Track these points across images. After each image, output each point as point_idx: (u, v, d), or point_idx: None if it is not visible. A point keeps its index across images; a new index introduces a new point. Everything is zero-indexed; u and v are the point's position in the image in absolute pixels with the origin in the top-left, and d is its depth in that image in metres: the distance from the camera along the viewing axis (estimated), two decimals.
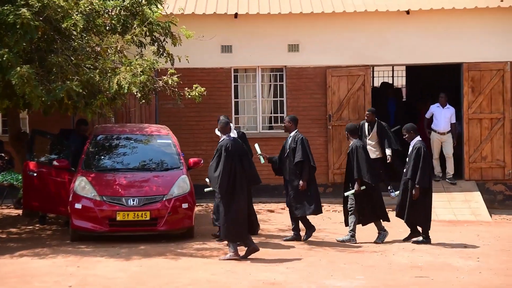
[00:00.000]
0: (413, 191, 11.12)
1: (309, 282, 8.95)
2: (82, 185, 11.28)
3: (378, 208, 11.50)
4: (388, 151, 13.89)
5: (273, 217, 13.39)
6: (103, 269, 9.53)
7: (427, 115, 15.10)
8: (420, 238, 11.30)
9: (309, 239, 11.50)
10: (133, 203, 11.15)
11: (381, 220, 11.51)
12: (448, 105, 14.81)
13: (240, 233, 10.14)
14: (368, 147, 13.36)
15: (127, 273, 9.36)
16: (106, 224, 11.10)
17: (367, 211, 11.41)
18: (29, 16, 10.07)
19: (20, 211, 13.64)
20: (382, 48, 15.10)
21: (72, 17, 10.67)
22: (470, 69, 14.98)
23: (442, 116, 14.77)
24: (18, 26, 10.12)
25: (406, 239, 11.42)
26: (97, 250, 10.56)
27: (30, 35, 10.19)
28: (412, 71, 19.04)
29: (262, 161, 11.61)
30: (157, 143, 12.26)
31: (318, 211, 11.43)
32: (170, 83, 11.87)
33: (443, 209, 13.97)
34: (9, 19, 10.14)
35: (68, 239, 11.38)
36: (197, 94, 12.21)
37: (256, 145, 11.67)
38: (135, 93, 11.31)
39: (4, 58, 10.05)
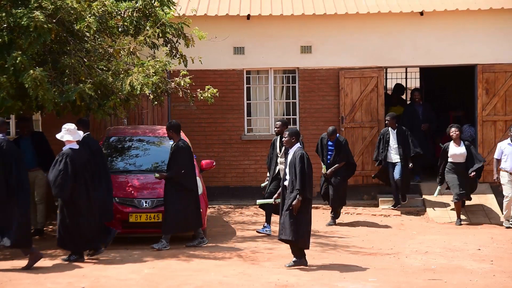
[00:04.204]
0: (294, 201, 9.44)
1: (321, 284, 8.92)
2: None
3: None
4: None
5: None
6: (116, 271, 9.55)
7: (497, 156, 13.07)
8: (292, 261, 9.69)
9: (320, 241, 11.48)
10: (146, 205, 11.16)
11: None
12: None
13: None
14: (282, 166, 11.13)
15: (139, 274, 9.37)
16: (118, 225, 11.12)
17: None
18: (42, 19, 10.09)
19: None
20: (395, 50, 15.04)
21: (85, 19, 10.70)
22: (484, 71, 14.89)
23: None
24: (31, 29, 10.15)
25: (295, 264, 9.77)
26: (110, 252, 10.56)
27: (43, 37, 10.21)
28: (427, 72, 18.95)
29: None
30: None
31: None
32: (182, 84, 11.88)
33: None
34: (22, 22, 10.17)
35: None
36: (209, 95, 12.21)
37: None
38: (148, 95, 11.33)
39: (18, 61, 10.08)
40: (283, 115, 15.34)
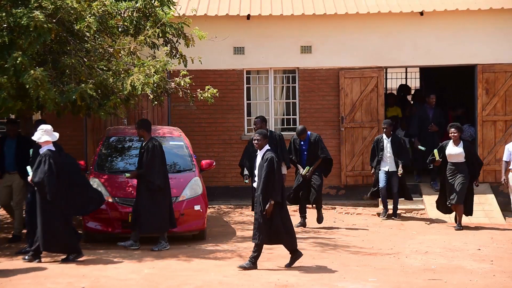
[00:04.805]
0: (266, 206, 9.43)
1: (321, 284, 8.92)
2: (94, 186, 11.30)
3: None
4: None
5: None
6: (116, 271, 9.55)
7: (506, 158, 12.92)
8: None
9: (320, 241, 11.48)
10: None
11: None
12: None
13: None
14: None
15: (139, 274, 9.37)
16: (118, 225, 11.12)
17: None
18: (42, 19, 10.09)
19: None
20: (395, 50, 15.05)
21: (85, 19, 10.70)
22: (484, 71, 14.90)
23: None
24: (31, 29, 10.16)
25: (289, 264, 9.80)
26: (110, 252, 10.58)
27: (43, 37, 10.21)
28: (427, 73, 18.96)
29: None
30: (169, 145, 12.24)
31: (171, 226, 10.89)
32: (182, 84, 11.88)
33: None
34: (22, 22, 10.17)
35: (81, 240, 11.38)
36: (209, 95, 12.21)
37: None
38: (148, 94, 11.33)
39: (18, 61, 10.08)
40: (283, 115, 15.35)
